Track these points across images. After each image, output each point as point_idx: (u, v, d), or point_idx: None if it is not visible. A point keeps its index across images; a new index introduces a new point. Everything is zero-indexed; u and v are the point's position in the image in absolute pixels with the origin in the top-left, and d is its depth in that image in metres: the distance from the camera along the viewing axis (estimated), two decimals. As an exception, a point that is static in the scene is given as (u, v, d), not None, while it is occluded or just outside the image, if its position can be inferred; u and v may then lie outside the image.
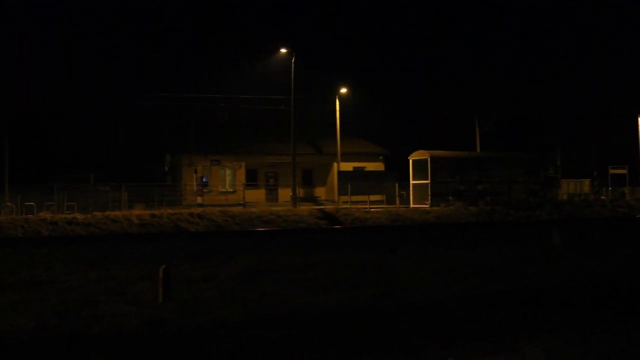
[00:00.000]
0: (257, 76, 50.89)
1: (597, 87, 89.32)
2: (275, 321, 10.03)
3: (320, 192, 54.38)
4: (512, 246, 20.53)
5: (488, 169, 45.85)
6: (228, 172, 51.60)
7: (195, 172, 47.53)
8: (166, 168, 56.40)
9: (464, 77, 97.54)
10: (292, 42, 48.39)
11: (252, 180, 51.29)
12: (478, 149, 54.39)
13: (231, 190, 49.88)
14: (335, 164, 49.37)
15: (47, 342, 8.97)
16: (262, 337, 9.04)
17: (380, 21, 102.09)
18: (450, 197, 43.07)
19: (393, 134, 64.79)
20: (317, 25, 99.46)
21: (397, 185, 45.45)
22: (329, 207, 42.10)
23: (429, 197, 42.75)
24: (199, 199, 42.30)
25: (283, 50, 42.93)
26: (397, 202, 44.67)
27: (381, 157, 55.43)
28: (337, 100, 47.45)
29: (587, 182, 53.84)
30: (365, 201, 40.85)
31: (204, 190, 45.11)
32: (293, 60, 42.29)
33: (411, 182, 44.56)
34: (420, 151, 44.86)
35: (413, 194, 44.11)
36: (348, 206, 40.30)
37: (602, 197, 50.98)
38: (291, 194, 42.78)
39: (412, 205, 42.95)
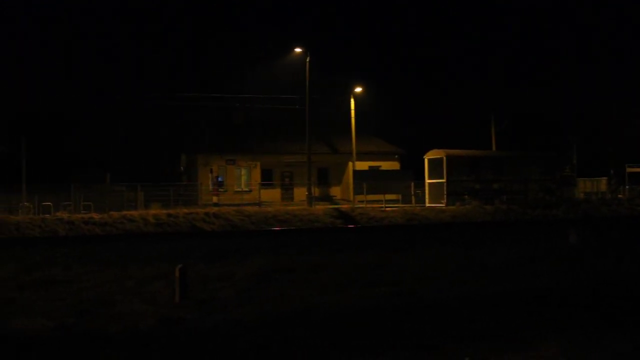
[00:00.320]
0: (271, 76, 50.85)
1: (613, 85, 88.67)
2: (291, 320, 10.06)
3: (335, 191, 54.35)
4: (529, 245, 20.43)
5: (504, 167, 45.66)
6: (243, 171, 51.69)
7: (211, 171, 47.64)
8: (182, 168, 56.55)
9: (479, 76, 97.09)
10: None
11: (267, 179, 51.33)
12: (493, 148, 54.17)
13: (247, 189, 49.96)
14: (350, 163, 49.31)
15: (66, 341, 9.04)
16: (278, 336, 9.06)
17: (388, 20, 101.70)
18: (466, 196, 42.91)
19: (408, 133, 64.57)
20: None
21: (412, 184, 45.32)
22: (344, 206, 42.08)
23: (445, 196, 42.61)
24: (215, 199, 42.39)
25: (298, 50, 42.85)
26: (413, 201, 44.57)
27: (396, 156, 55.33)
28: (352, 100, 47.39)
29: (604, 180, 53.43)
30: (381, 200, 40.79)
31: (220, 189, 45.20)
32: (308, 60, 42.23)
33: (426, 181, 44.44)
34: (436, 150, 44.74)
35: (428, 193, 43.98)
36: (363, 205, 40.24)
37: (620, 196, 50.59)
38: (306, 193, 42.78)
39: (427, 205, 42.82)
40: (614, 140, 60.66)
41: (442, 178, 43.12)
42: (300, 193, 48.26)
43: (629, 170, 53.22)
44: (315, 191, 46.31)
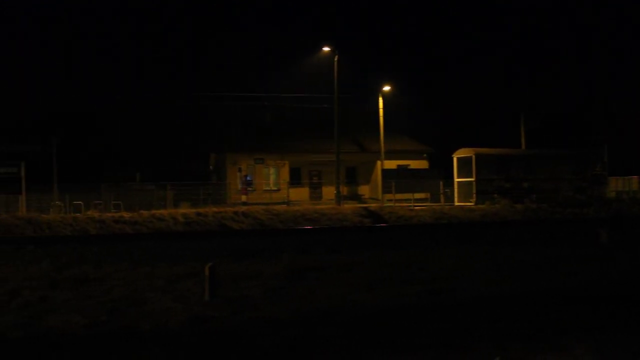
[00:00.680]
0: (300, 75, 50.91)
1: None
2: (320, 319, 10.05)
3: (364, 190, 54.28)
4: (559, 244, 20.26)
5: (534, 166, 45.30)
6: (272, 170, 51.81)
7: (240, 170, 47.85)
8: (211, 167, 56.88)
9: (509, 74, 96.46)
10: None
11: (295, 178, 51.44)
12: (523, 146, 53.75)
13: (275, 188, 50.09)
14: (378, 162, 49.21)
15: (98, 339, 9.12)
16: (308, 334, 9.06)
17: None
18: (496, 195, 42.65)
19: (437, 131, 64.37)
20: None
21: (441, 183, 45.15)
22: (373, 205, 42.02)
23: (474, 194, 42.40)
24: (244, 198, 42.56)
25: (326, 49, 42.81)
26: (442, 200, 44.40)
27: (425, 155, 55.11)
28: (381, 98, 47.29)
29: (635, 179, 52.82)
30: (410, 199, 40.68)
31: (249, 188, 45.35)
32: (336, 59, 42.18)
33: (455, 179, 44.26)
34: (465, 149, 44.51)
35: (457, 191, 43.80)
36: (392, 204, 40.15)
37: (652, 195, 50.00)
38: (335, 192, 42.78)
39: (456, 203, 42.63)
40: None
41: (471, 177, 42.90)
42: (328, 192, 48.31)
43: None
44: (344, 190, 46.32)
